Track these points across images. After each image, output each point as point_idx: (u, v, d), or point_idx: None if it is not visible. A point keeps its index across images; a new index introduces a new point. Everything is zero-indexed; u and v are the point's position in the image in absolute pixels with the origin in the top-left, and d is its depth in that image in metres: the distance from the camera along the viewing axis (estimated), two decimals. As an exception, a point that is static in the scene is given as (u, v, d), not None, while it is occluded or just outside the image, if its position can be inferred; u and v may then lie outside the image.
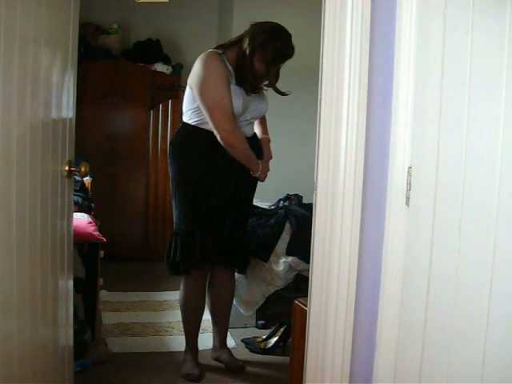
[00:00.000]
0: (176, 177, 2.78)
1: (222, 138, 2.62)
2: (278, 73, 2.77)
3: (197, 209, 2.74)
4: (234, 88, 2.65)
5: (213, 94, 2.59)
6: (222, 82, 2.60)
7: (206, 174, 2.72)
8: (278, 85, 2.77)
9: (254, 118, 2.83)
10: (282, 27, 2.70)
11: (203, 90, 2.61)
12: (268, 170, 2.86)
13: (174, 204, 2.80)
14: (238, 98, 2.66)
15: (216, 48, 2.75)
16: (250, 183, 2.86)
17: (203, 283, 2.89)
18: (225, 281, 2.95)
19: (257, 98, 2.77)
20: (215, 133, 2.62)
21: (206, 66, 2.62)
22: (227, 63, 2.66)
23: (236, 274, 3.06)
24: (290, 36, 2.69)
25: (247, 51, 2.64)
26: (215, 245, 2.76)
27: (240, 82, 2.67)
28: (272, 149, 2.95)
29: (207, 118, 2.62)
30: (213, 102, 2.59)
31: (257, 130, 2.94)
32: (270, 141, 2.95)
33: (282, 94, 2.77)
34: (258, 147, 2.84)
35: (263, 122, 2.97)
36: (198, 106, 2.66)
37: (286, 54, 2.68)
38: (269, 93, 2.84)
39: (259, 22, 2.70)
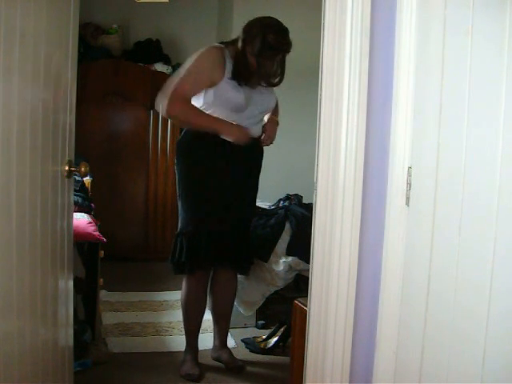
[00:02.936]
0: (182, 178, 2.78)
1: (163, 109, 2.63)
2: (284, 69, 2.72)
3: (202, 210, 2.74)
4: (232, 82, 2.64)
5: (187, 75, 2.61)
6: (203, 74, 2.63)
7: (212, 175, 2.72)
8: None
9: (262, 114, 2.81)
10: (277, 21, 2.68)
11: (184, 68, 2.65)
12: (275, 134, 2.86)
13: (180, 204, 2.79)
14: (237, 91, 2.65)
15: (220, 43, 2.76)
16: (253, 184, 2.86)
17: (205, 283, 2.89)
18: (227, 281, 2.95)
19: (260, 91, 2.75)
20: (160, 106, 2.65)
21: (200, 55, 2.65)
22: (227, 57, 2.66)
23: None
24: (284, 30, 2.66)
25: (239, 44, 2.65)
26: (219, 246, 2.76)
27: (234, 76, 2.65)
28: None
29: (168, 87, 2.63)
30: (181, 79, 2.61)
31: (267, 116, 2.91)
32: (278, 123, 2.92)
33: (273, 85, 2.74)
34: (259, 150, 2.84)
35: (275, 110, 2.94)
36: (203, 105, 2.67)
37: (279, 47, 2.65)
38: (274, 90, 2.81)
39: (256, 17, 2.70)
